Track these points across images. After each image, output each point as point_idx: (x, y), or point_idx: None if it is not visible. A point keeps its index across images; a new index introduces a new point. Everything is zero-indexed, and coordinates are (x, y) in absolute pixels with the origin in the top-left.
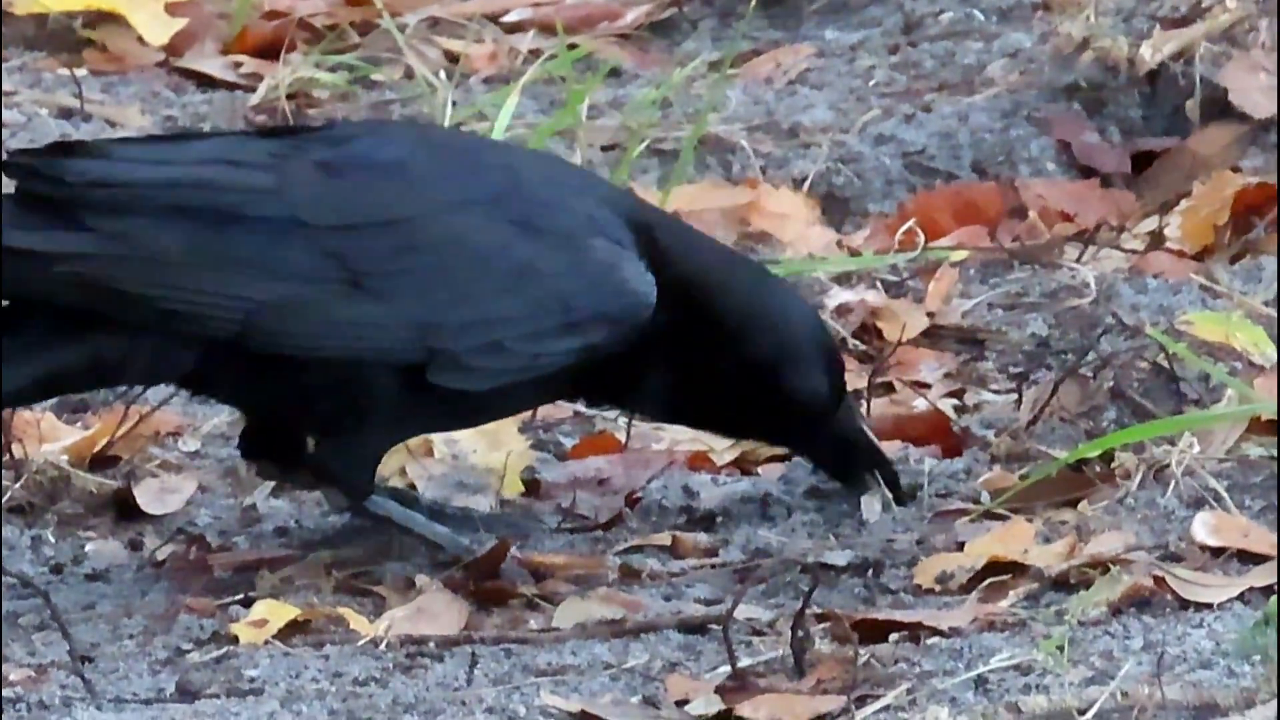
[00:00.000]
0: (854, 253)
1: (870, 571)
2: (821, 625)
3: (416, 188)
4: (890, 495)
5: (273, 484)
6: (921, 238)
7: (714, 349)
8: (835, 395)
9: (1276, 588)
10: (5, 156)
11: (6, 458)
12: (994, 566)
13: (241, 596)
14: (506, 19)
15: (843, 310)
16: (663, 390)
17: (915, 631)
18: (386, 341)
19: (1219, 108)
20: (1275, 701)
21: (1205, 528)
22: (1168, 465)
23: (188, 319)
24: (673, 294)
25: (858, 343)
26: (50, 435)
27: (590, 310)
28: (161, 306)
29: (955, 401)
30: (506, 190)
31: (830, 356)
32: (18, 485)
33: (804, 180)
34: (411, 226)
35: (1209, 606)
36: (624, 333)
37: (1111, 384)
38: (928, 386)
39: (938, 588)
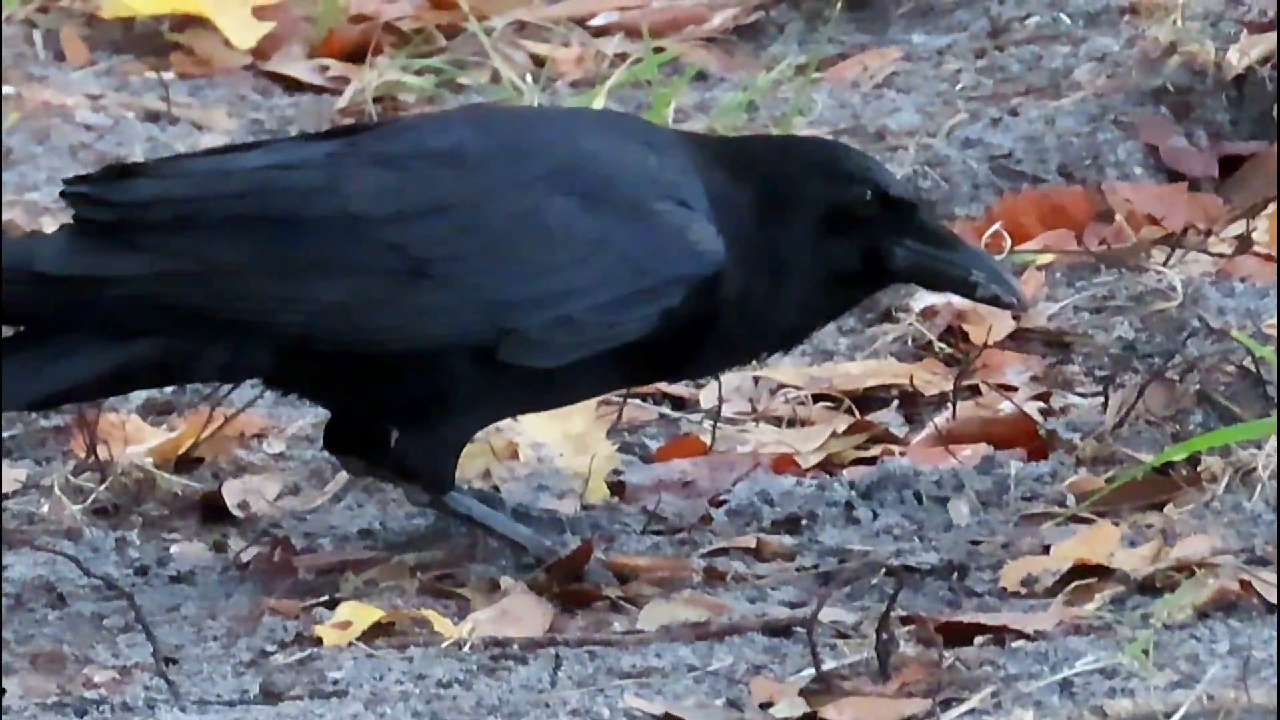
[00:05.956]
0: None
1: (955, 574)
2: (906, 628)
3: (472, 171)
4: (999, 291)
5: (359, 485)
6: (1008, 241)
7: (789, 222)
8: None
9: None
10: (71, 176)
11: (92, 460)
12: (1079, 569)
13: (326, 598)
14: (593, 23)
15: (929, 313)
16: (748, 317)
17: (1000, 634)
18: (455, 326)
19: None
20: None
21: None
22: (1254, 469)
23: (254, 328)
24: (736, 217)
25: (944, 346)
26: (135, 437)
27: (664, 274)
28: (225, 319)
29: (1041, 405)
30: (566, 164)
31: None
32: (103, 487)
33: None
34: (469, 209)
35: None
36: (698, 293)
37: (1198, 387)
38: (1014, 390)
39: (1023, 590)
